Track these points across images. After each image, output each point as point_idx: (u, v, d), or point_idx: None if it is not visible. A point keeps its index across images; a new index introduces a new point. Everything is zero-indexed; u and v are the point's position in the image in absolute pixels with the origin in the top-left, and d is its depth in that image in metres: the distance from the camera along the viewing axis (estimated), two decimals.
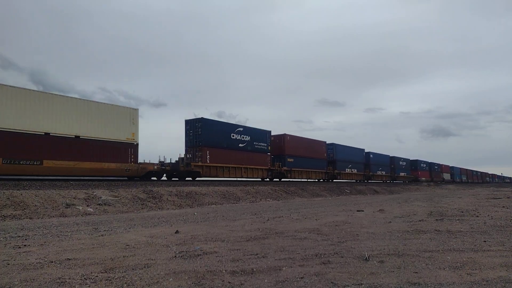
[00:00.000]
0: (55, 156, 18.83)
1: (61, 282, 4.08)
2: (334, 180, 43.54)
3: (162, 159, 25.86)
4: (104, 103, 21.93)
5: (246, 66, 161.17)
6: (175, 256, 5.39)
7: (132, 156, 22.27)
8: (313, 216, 11.47)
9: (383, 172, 55.36)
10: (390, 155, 58.78)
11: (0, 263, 5.03)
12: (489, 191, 37.48)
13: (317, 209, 14.77)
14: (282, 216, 11.45)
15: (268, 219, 10.55)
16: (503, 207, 14.45)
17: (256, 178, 32.82)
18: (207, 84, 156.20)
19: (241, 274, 4.44)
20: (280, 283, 4.06)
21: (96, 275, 4.38)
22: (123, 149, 21.90)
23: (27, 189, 14.28)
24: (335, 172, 43.17)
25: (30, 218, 11.18)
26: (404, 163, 62.90)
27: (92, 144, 20.45)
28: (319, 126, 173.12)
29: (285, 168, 35.37)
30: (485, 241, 6.57)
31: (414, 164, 65.71)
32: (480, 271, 4.50)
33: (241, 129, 31.12)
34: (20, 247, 6.24)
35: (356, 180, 48.05)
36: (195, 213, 13.05)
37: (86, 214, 12.67)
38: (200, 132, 27.04)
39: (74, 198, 14.05)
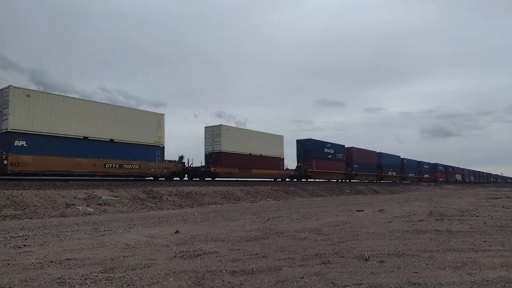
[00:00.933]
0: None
1: (61, 282, 4.08)
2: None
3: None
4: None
5: (246, 66, 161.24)
6: (175, 256, 5.39)
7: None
8: (313, 216, 11.47)
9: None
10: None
11: (0, 263, 5.03)
12: (489, 191, 37.49)
13: (317, 209, 14.77)
14: (282, 216, 11.45)
15: (268, 219, 10.55)
16: (503, 207, 14.45)
17: (338, 179, 45.06)
18: (207, 84, 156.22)
19: (241, 274, 4.44)
20: (280, 283, 4.05)
21: (96, 275, 4.38)
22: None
23: (27, 189, 14.28)
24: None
25: (30, 218, 11.18)
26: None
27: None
28: (319, 126, 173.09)
29: (353, 172, 47.13)
30: (485, 241, 6.57)
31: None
32: (480, 271, 4.50)
33: (329, 144, 43.17)
34: (20, 247, 6.24)
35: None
36: (195, 213, 13.05)
37: (86, 214, 12.68)
38: (309, 149, 39.97)
39: (74, 198, 14.05)
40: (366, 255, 5.27)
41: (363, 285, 3.93)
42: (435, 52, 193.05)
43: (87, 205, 13.69)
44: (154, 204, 15.91)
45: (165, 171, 25.02)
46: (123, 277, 4.29)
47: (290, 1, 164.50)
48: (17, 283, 4.05)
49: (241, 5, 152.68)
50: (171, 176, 26.05)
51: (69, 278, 4.22)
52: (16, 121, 17.64)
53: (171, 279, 4.20)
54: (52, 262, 5.06)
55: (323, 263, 4.97)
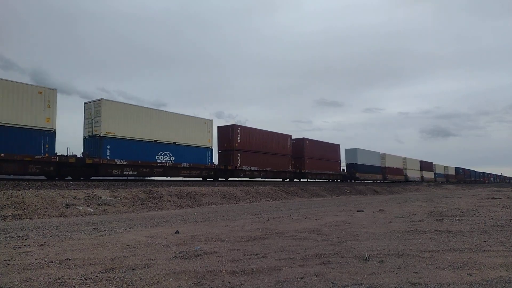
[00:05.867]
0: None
1: (61, 282, 4.08)
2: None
3: None
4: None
5: (245, 67, 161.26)
6: (175, 256, 5.39)
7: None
8: (313, 216, 11.46)
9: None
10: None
11: (0, 263, 5.03)
12: (489, 191, 37.47)
13: (317, 209, 14.77)
14: (282, 216, 11.45)
15: (268, 219, 10.55)
16: (503, 207, 14.45)
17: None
18: (206, 84, 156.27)
19: (241, 274, 4.44)
20: (280, 283, 4.05)
21: (96, 275, 4.37)
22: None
23: (27, 189, 14.28)
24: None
25: (30, 218, 11.18)
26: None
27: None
28: (318, 126, 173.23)
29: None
30: (485, 241, 6.57)
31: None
32: (480, 271, 4.50)
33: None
34: (20, 247, 6.23)
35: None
36: (195, 213, 13.05)
37: (86, 214, 12.68)
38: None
39: (74, 198, 14.05)
40: (366, 255, 5.27)
41: (363, 285, 3.93)
42: (434, 53, 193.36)
43: (87, 205, 13.69)
44: (154, 204, 15.90)
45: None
46: (123, 277, 4.29)
47: (289, 2, 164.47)
48: (17, 283, 4.05)
49: (241, 6, 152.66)
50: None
51: (69, 278, 4.22)
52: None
53: (171, 279, 4.20)
54: (52, 262, 5.05)
55: (323, 263, 4.97)
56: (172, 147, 25.03)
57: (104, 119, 21.17)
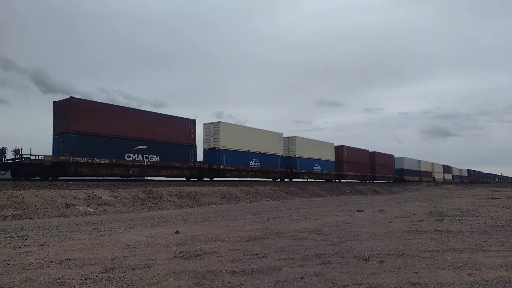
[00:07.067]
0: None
1: (61, 282, 4.08)
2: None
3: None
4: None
5: (245, 67, 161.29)
6: (175, 256, 5.39)
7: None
8: (313, 216, 11.46)
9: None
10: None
11: (0, 263, 5.03)
12: (489, 191, 37.46)
13: (317, 209, 14.77)
14: (282, 216, 11.45)
15: (268, 219, 10.55)
16: (503, 207, 14.45)
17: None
18: (206, 84, 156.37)
19: (241, 274, 4.44)
20: (280, 283, 4.05)
21: (96, 275, 4.37)
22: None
23: (27, 189, 14.28)
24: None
25: (30, 218, 11.18)
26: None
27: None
28: (318, 126, 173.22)
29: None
30: (485, 241, 6.57)
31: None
32: (480, 271, 4.50)
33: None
34: (20, 247, 6.23)
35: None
36: (195, 213, 13.05)
37: (86, 214, 12.68)
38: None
39: (74, 198, 14.05)
40: (366, 255, 5.27)
41: (363, 285, 3.93)
42: (434, 53, 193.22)
43: (87, 205, 13.69)
44: (154, 204, 15.90)
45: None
46: (123, 277, 4.29)
47: (289, 2, 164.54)
48: (17, 283, 4.05)
49: (241, 6, 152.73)
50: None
51: (69, 278, 4.22)
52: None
53: (171, 279, 4.20)
54: (52, 262, 5.05)
55: (323, 263, 4.97)
56: (259, 156, 33.25)
57: (221, 136, 29.35)
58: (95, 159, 21.03)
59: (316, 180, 42.13)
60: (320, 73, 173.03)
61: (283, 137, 37.47)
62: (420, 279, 4.16)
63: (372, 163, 53.56)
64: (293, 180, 38.02)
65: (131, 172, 23.16)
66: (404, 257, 5.29)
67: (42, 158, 19.46)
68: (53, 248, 6.15)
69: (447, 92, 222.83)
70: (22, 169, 18.92)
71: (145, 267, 4.77)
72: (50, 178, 19.83)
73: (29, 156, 19.22)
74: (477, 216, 10.89)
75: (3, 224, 9.76)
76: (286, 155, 37.72)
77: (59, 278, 4.23)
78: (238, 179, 31.83)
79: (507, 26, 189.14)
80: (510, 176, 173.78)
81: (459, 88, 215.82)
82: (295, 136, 38.84)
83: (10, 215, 11.06)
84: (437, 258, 5.21)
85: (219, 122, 29.80)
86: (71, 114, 20.31)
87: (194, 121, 27.39)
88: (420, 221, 9.79)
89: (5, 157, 18.95)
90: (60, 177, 20.44)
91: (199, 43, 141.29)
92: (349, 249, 5.89)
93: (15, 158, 18.92)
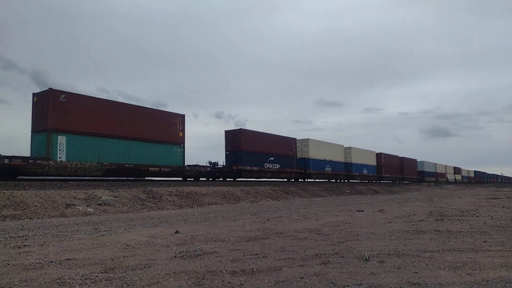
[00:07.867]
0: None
1: (61, 282, 4.08)
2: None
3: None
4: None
5: (245, 67, 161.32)
6: (175, 256, 5.39)
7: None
8: (313, 216, 11.46)
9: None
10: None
11: (0, 263, 5.03)
12: (489, 191, 37.47)
13: (317, 209, 14.76)
14: (282, 216, 11.45)
15: (268, 219, 10.55)
16: (503, 207, 14.45)
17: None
18: (206, 84, 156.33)
19: (241, 274, 4.44)
20: (280, 283, 4.05)
21: (96, 275, 4.37)
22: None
23: (27, 189, 14.28)
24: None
25: (30, 218, 11.18)
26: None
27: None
28: (318, 126, 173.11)
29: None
30: (485, 241, 6.57)
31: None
32: (480, 271, 4.50)
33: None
34: (20, 247, 6.23)
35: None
36: (195, 213, 13.05)
37: (86, 214, 12.68)
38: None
39: (74, 198, 14.05)
40: (366, 255, 5.27)
41: (363, 285, 3.93)
42: (434, 53, 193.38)
43: (87, 205, 13.69)
44: (154, 204, 15.90)
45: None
46: (123, 277, 4.29)
47: (289, 2, 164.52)
48: (17, 283, 4.05)
49: (241, 6, 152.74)
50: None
51: (69, 278, 4.22)
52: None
53: (171, 279, 4.20)
54: (52, 262, 5.05)
55: (323, 263, 4.97)
56: (330, 163, 44.43)
57: (310, 149, 41.27)
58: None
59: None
60: (320, 73, 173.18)
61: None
62: (420, 279, 4.16)
63: (401, 167, 64.32)
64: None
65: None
66: (404, 257, 5.28)
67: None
68: (53, 248, 6.15)
69: (447, 92, 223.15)
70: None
71: (145, 267, 4.77)
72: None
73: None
74: (477, 216, 10.89)
75: (3, 224, 9.76)
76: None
77: (59, 278, 4.23)
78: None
79: (507, 26, 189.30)
80: (510, 176, 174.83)
81: (459, 88, 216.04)
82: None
83: (10, 215, 11.06)
84: (437, 258, 5.21)
85: (308, 139, 41.02)
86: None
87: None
88: (420, 221, 9.79)
89: None
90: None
91: (199, 43, 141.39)
92: (349, 249, 5.89)
93: None
